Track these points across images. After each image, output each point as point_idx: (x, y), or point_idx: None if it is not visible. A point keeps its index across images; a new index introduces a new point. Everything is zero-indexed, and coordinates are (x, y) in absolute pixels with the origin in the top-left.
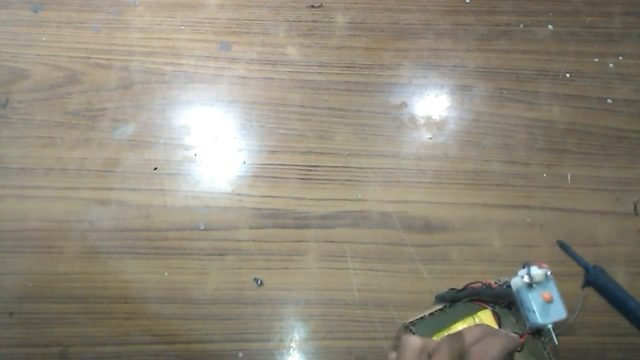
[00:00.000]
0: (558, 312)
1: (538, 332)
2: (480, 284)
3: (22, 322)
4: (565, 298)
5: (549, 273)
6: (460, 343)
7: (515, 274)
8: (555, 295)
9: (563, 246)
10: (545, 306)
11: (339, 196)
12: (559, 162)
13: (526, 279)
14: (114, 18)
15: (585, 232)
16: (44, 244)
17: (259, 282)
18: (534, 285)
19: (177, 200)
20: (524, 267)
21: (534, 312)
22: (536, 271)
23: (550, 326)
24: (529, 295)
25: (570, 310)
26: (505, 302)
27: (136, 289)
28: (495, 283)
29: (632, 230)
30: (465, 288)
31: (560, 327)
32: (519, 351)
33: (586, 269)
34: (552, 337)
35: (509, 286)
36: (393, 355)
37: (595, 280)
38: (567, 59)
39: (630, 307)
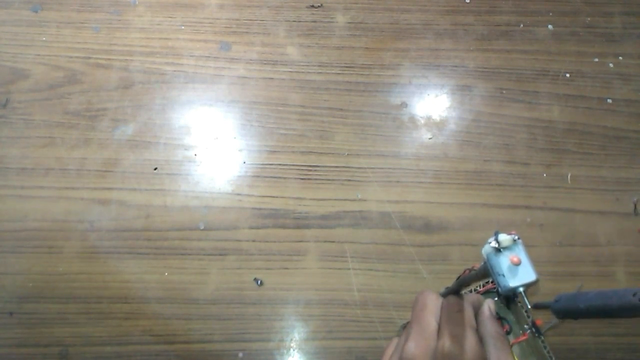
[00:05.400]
0: (527, 274)
1: (513, 298)
2: (467, 271)
3: (22, 322)
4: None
5: (516, 238)
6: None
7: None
8: (524, 259)
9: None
10: (514, 269)
11: (339, 196)
12: (559, 162)
13: (493, 244)
14: (114, 18)
15: (585, 232)
16: (44, 244)
17: (259, 282)
18: (502, 250)
19: (177, 200)
20: (494, 235)
21: (503, 275)
22: (504, 237)
23: (521, 290)
24: (498, 260)
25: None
26: (486, 278)
27: (136, 289)
28: None
29: (632, 230)
30: (457, 279)
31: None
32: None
33: (548, 306)
34: (525, 301)
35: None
36: (395, 340)
37: (561, 309)
38: (567, 59)
39: (613, 307)
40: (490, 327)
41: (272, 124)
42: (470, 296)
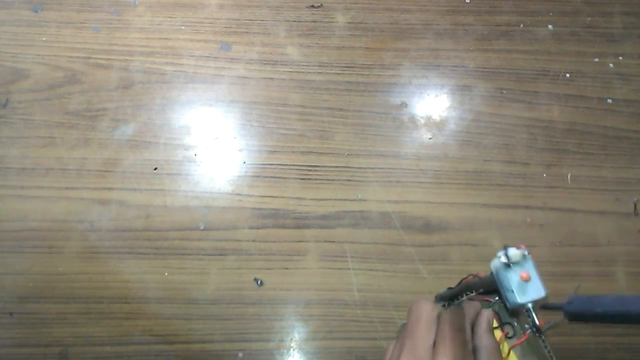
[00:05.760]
0: (536, 290)
1: (520, 314)
2: (472, 277)
3: (22, 322)
4: (563, 298)
5: (526, 253)
6: (461, 321)
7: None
8: (533, 275)
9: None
10: (523, 285)
11: (339, 196)
12: (559, 162)
13: (503, 259)
14: (114, 18)
15: (585, 232)
16: (44, 244)
17: (259, 282)
18: (511, 265)
19: (177, 200)
20: (503, 249)
21: (512, 291)
22: (513, 252)
23: (529, 306)
24: (507, 275)
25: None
26: (492, 288)
27: (136, 289)
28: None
29: (632, 230)
30: (459, 284)
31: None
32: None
33: (560, 308)
34: (533, 317)
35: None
36: (392, 345)
37: (574, 312)
38: (567, 59)
39: (634, 313)
40: (485, 340)
41: (272, 124)
42: (469, 307)
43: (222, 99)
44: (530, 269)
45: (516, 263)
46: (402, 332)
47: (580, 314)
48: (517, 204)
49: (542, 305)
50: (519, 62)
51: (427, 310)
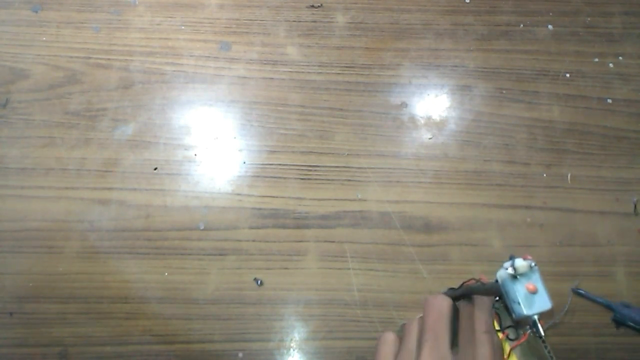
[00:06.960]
0: (543, 303)
1: (523, 323)
2: (474, 281)
3: (22, 322)
4: (563, 298)
5: (533, 264)
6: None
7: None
8: (540, 287)
9: (578, 293)
10: (530, 297)
11: (339, 196)
12: (559, 162)
13: (510, 270)
14: (114, 18)
15: (585, 232)
16: (44, 244)
17: (259, 282)
18: (518, 277)
19: (177, 200)
20: (509, 259)
21: (518, 303)
22: (520, 263)
23: (535, 317)
24: (514, 286)
25: (559, 310)
26: (495, 295)
27: (136, 289)
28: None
29: (632, 230)
30: (461, 286)
31: (546, 318)
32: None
33: (610, 308)
34: (539, 328)
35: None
36: (391, 336)
37: (623, 318)
38: (567, 59)
39: None
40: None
41: (272, 124)
42: (480, 303)
43: (222, 99)
44: (536, 281)
45: (523, 274)
46: (419, 327)
47: (633, 321)
48: (517, 204)
49: (585, 297)
50: (519, 62)
51: (448, 306)
